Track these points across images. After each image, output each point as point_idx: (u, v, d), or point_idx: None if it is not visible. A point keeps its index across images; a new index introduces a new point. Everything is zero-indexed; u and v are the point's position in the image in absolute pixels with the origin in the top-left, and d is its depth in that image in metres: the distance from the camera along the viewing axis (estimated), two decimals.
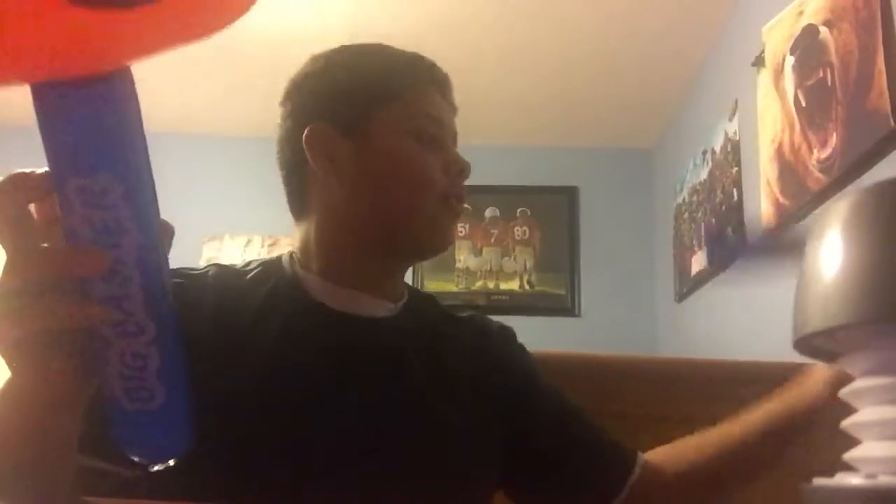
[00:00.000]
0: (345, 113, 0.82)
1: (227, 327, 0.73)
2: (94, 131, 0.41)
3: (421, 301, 0.90)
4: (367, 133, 0.81)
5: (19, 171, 0.44)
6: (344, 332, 0.78)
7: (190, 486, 0.58)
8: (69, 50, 0.38)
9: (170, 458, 0.49)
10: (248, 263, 0.85)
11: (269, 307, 0.77)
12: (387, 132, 0.81)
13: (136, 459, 0.49)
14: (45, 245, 0.44)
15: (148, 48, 0.40)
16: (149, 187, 0.44)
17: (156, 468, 0.49)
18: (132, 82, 0.42)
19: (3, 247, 0.44)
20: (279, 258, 0.86)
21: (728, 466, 0.84)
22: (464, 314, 0.93)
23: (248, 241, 3.65)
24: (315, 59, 0.87)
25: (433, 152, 0.82)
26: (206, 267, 0.82)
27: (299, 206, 0.85)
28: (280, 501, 0.66)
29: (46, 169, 0.43)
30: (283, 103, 0.86)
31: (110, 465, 0.62)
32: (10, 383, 0.49)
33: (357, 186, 0.80)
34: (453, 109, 0.89)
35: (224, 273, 0.82)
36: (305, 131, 0.81)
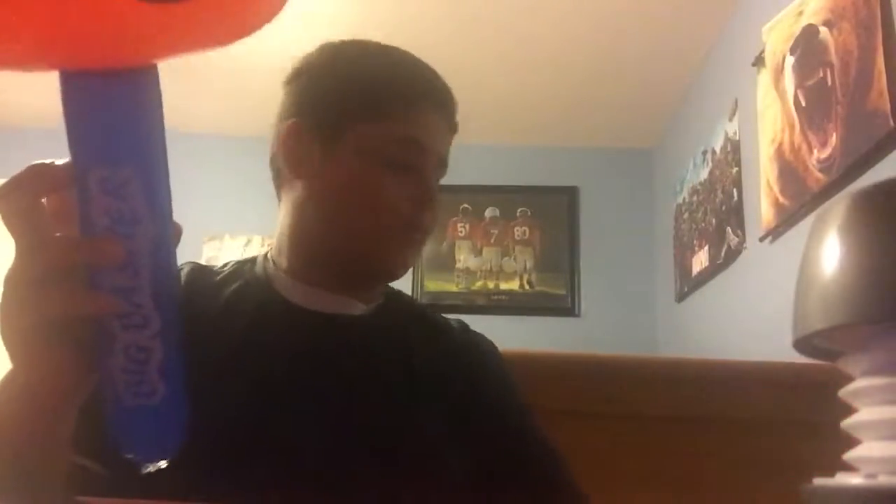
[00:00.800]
0: (325, 117, 0.80)
1: (191, 325, 0.73)
2: (123, 123, 0.42)
3: (399, 303, 0.88)
4: (341, 143, 0.79)
5: (39, 162, 0.45)
6: (308, 329, 0.77)
7: (155, 485, 0.58)
8: (110, 41, 0.39)
9: (163, 457, 0.49)
10: (226, 264, 0.85)
11: (235, 303, 0.77)
12: (360, 148, 0.78)
13: (130, 457, 0.48)
14: (59, 235, 0.45)
15: (181, 46, 0.41)
16: (166, 181, 0.44)
17: (147, 469, 0.49)
18: (158, 76, 0.43)
19: (17, 237, 0.44)
20: (255, 258, 0.86)
21: None
22: (445, 320, 0.91)
23: (248, 241, 3.65)
24: (321, 50, 0.85)
25: (403, 179, 0.78)
26: (180, 265, 0.81)
27: (279, 196, 0.85)
28: (244, 501, 0.66)
29: (65, 161, 0.43)
30: (283, 87, 0.85)
31: (99, 466, 0.62)
32: (12, 375, 0.49)
33: (319, 196, 0.79)
34: (451, 130, 0.85)
35: (197, 272, 0.82)
36: (284, 126, 0.80)
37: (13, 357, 0.48)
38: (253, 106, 3.42)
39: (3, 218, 0.45)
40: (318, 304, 0.79)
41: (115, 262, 0.43)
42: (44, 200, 0.45)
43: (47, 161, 0.45)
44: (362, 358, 0.78)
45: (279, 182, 0.84)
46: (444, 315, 0.92)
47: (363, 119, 0.79)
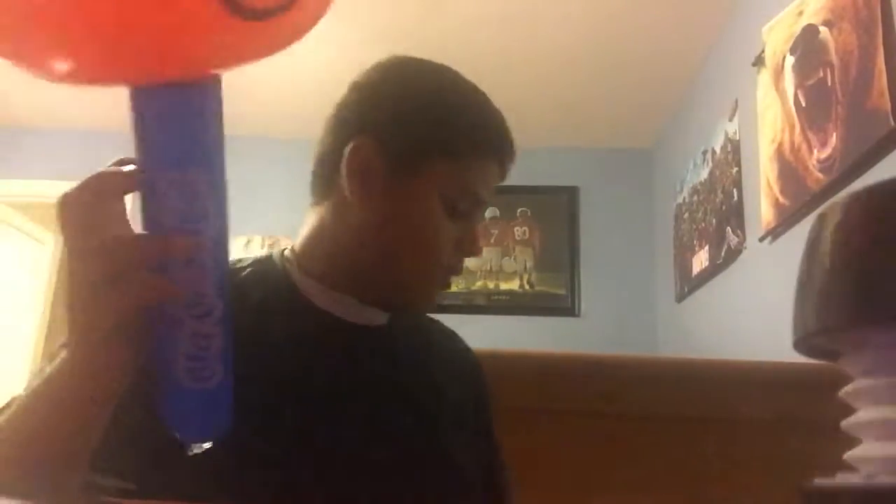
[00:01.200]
0: (402, 144, 0.76)
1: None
2: (193, 130, 0.47)
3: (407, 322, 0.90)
4: (411, 176, 0.76)
5: (109, 168, 0.49)
6: (347, 340, 0.78)
7: (188, 490, 0.58)
8: (191, 55, 0.43)
9: (212, 439, 0.52)
10: (239, 261, 0.82)
11: (269, 311, 0.75)
12: (428, 186, 0.76)
13: (182, 438, 0.51)
14: (119, 235, 0.49)
15: (248, 57, 0.46)
16: (225, 181, 0.49)
17: (193, 451, 0.52)
18: (221, 84, 0.47)
19: (79, 240, 0.48)
20: (269, 257, 0.83)
21: None
22: (441, 327, 0.92)
23: (248, 241, 3.65)
24: (392, 67, 0.82)
25: (457, 224, 0.78)
26: None
27: (319, 197, 0.81)
28: None
29: (131, 167, 0.48)
30: (354, 88, 0.81)
31: (104, 480, 0.62)
32: (67, 368, 0.52)
33: (373, 223, 0.76)
34: (502, 180, 0.84)
35: None
36: (354, 140, 0.76)
37: (72, 353, 0.52)
38: (255, 106, 3.42)
39: (68, 221, 0.48)
40: (350, 313, 0.79)
41: (186, 256, 0.47)
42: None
43: (114, 168, 0.50)
44: (393, 366, 0.80)
45: (325, 189, 0.80)
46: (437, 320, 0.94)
47: (441, 156, 0.77)
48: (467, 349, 0.93)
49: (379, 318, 0.81)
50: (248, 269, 0.80)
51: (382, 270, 0.77)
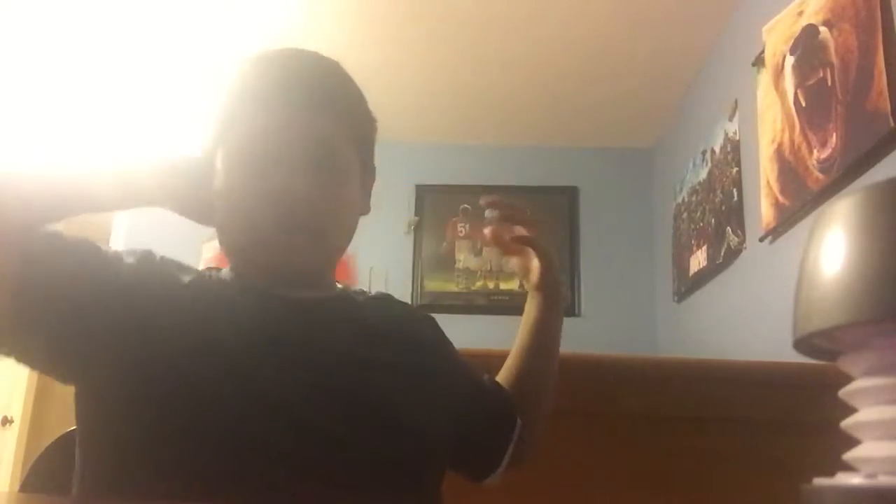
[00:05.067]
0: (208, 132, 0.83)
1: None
2: None
3: (356, 295, 0.92)
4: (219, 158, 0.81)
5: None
6: (271, 309, 0.79)
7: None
8: None
9: None
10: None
11: (201, 287, 0.80)
12: (224, 158, 0.80)
13: None
14: None
15: None
16: None
17: None
18: None
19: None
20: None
21: (532, 384, 1.00)
22: (378, 296, 0.95)
23: None
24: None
25: (255, 176, 0.78)
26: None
27: None
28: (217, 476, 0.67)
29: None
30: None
31: None
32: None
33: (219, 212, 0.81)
34: (310, 110, 0.80)
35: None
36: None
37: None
38: None
39: None
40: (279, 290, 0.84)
41: None
42: None
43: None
44: (326, 326, 0.82)
45: None
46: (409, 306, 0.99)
47: (226, 130, 0.85)
48: (403, 306, 0.96)
49: (296, 291, 0.82)
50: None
51: (232, 255, 0.84)
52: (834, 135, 1.78)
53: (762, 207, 2.20)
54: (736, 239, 2.48)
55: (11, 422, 4.18)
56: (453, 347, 0.95)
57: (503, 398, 0.96)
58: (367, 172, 0.89)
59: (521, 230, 0.97)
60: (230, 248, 0.83)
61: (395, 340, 0.85)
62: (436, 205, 3.73)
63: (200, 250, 3.63)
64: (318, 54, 0.83)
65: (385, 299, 0.94)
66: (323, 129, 0.80)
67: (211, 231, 0.84)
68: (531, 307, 1.05)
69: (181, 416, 0.67)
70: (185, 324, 0.72)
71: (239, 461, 0.67)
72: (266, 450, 0.68)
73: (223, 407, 0.68)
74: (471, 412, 0.89)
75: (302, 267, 0.80)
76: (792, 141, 2.02)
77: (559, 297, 1.05)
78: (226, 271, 0.85)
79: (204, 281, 0.81)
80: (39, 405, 4.26)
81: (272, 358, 0.73)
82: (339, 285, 0.91)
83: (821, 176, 1.84)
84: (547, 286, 1.04)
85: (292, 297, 0.80)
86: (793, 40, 2.02)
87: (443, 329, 0.96)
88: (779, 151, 2.10)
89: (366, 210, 0.89)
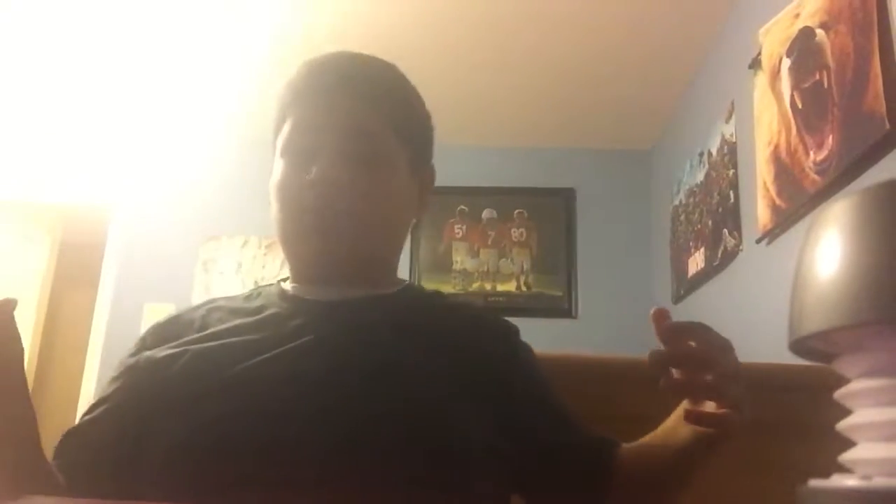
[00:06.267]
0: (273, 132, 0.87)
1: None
2: None
3: (419, 294, 0.90)
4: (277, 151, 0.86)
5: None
6: (309, 313, 0.79)
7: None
8: None
9: None
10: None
11: (254, 309, 0.82)
12: (278, 152, 0.85)
13: None
14: None
15: None
16: None
17: None
18: None
19: None
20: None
21: (663, 483, 0.83)
22: (462, 303, 0.94)
23: (245, 242, 3.64)
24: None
25: (299, 167, 0.81)
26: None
27: None
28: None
29: None
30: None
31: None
32: None
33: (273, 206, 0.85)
34: (351, 102, 0.81)
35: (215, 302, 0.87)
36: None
37: None
38: (253, 107, 3.41)
39: None
40: (320, 294, 0.85)
41: None
42: None
43: None
44: (367, 331, 0.80)
45: None
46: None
47: (280, 125, 0.89)
48: (480, 316, 0.93)
49: (348, 292, 0.81)
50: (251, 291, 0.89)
51: (282, 245, 0.85)
52: (830, 137, 1.79)
53: (759, 209, 2.21)
54: (732, 241, 2.48)
55: None
56: (532, 365, 0.91)
57: (593, 445, 0.86)
58: (419, 172, 0.88)
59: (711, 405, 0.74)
60: (282, 243, 0.84)
61: (436, 345, 0.79)
62: (433, 206, 3.72)
63: (198, 251, 3.64)
64: (372, 56, 0.86)
65: (455, 306, 0.91)
66: (366, 121, 0.81)
67: (210, 231, 0.85)
68: (687, 431, 0.80)
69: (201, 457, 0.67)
70: (184, 399, 0.70)
71: (260, 469, 0.66)
72: (288, 460, 0.67)
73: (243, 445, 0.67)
74: (542, 438, 0.82)
75: (346, 255, 0.79)
76: (788, 143, 2.02)
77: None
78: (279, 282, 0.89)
79: (219, 312, 0.82)
80: (39, 405, 4.24)
81: (292, 386, 0.70)
82: (402, 282, 0.89)
83: (817, 178, 1.84)
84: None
85: (326, 300, 0.80)
86: (789, 43, 2.03)
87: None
88: (775, 153, 2.11)
89: (419, 212, 0.89)
